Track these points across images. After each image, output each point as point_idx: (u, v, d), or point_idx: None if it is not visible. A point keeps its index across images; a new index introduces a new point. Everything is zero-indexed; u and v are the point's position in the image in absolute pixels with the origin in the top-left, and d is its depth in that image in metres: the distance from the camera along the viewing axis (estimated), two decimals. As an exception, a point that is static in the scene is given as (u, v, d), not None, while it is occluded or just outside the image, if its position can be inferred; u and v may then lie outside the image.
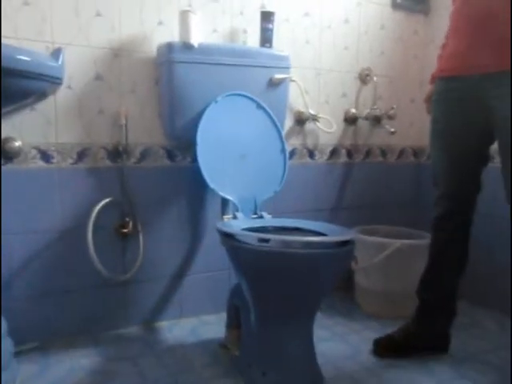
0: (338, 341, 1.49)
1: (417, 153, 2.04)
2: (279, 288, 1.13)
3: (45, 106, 1.34)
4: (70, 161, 1.39)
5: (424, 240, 1.69)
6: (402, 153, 2.01)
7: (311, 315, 1.19)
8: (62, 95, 1.36)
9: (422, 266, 1.71)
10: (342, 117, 1.84)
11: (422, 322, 1.40)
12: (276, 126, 1.53)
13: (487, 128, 1.23)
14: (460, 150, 1.28)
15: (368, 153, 1.92)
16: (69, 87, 1.36)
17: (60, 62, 1.15)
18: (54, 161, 1.37)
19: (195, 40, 1.39)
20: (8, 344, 1.17)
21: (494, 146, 1.27)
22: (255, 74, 1.50)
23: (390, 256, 1.61)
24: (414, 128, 2.01)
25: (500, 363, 1.34)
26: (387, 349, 1.39)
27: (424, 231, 1.78)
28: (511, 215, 1.17)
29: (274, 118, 1.52)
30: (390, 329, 1.45)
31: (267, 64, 1.52)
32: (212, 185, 1.38)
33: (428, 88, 1.43)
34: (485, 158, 1.31)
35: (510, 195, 1.19)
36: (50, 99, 1.34)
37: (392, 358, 1.36)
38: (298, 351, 1.18)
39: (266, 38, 1.56)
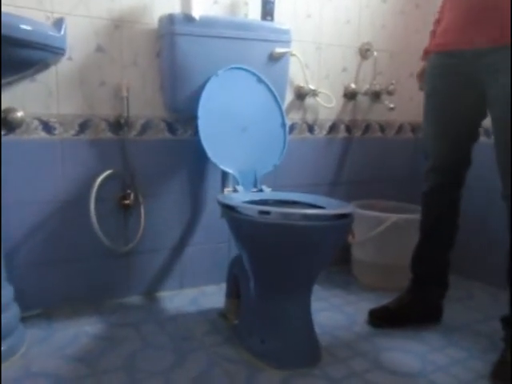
0: (334, 311, 1.54)
1: (415, 128, 2.05)
2: (278, 259, 1.16)
3: (46, 77, 1.33)
4: (72, 132, 1.40)
5: (419, 214, 1.72)
6: (400, 128, 2.02)
7: (309, 285, 1.23)
8: (63, 66, 1.35)
9: (418, 239, 1.76)
10: (341, 92, 1.85)
11: (415, 294, 1.44)
12: (276, 100, 1.53)
13: (480, 103, 1.24)
14: (452, 124, 1.30)
15: (367, 128, 1.93)
16: (70, 58, 1.36)
17: (62, 32, 1.14)
18: (56, 132, 1.38)
19: (196, 12, 1.38)
20: (14, 309, 1.20)
21: (485, 123, 1.29)
22: (256, 47, 1.50)
23: (387, 230, 1.64)
24: (413, 103, 2.01)
25: (491, 333, 1.39)
26: (382, 319, 1.44)
27: (420, 206, 1.81)
28: (511, 205, 1.18)
29: (275, 92, 1.53)
30: (385, 300, 1.50)
31: (268, 38, 1.51)
32: (213, 158, 1.39)
33: (420, 64, 1.44)
34: (476, 133, 1.33)
35: (504, 182, 1.19)
36: (52, 70, 1.34)
37: (386, 328, 1.41)
38: (296, 319, 1.22)
39: (268, 11, 1.55)
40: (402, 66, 1.96)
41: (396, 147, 2.03)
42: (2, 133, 1.30)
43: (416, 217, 1.71)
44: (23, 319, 1.30)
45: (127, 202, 1.48)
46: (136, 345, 1.28)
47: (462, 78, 1.24)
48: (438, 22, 1.35)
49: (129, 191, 1.49)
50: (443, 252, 1.42)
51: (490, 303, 1.62)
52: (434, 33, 1.36)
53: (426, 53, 1.38)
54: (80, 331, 1.34)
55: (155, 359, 1.21)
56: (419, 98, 2.00)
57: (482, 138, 1.73)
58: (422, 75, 1.41)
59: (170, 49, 1.39)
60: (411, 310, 1.43)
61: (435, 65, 1.31)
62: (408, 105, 2.01)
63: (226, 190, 1.44)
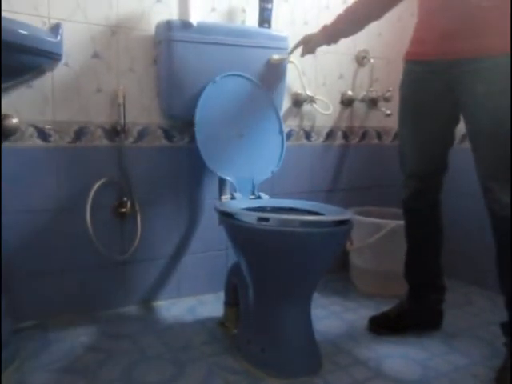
0: (334, 319, 1.52)
1: (411, 136, 2.05)
2: (278, 266, 1.15)
3: (42, 83, 1.32)
4: (68, 139, 1.38)
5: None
6: (397, 135, 2.02)
7: (309, 293, 1.22)
8: (59, 72, 1.34)
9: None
10: (338, 99, 1.85)
11: (413, 301, 1.44)
12: (274, 106, 1.53)
13: (454, 110, 1.25)
14: (427, 131, 1.30)
15: (364, 135, 1.94)
16: (66, 64, 1.34)
17: (59, 38, 1.13)
18: (52, 139, 1.36)
19: (194, 18, 1.38)
20: (7, 322, 1.17)
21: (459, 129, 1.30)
22: (254, 54, 1.50)
23: (385, 236, 1.64)
24: (409, 111, 2.02)
25: (491, 338, 1.38)
26: (382, 326, 1.42)
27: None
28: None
29: (272, 98, 1.52)
30: (384, 307, 1.49)
31: (266, 44, 1.51)
32: (210, 165, 1.38)
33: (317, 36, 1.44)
34: (451, 139, 1.34)
35: (482, 181, 1.19)
36: (47, 76, 1.33)
37: (386, 335, 1.40)
38: (296, 327, 1.21)
39: (265, 18, 1.55)
40: (398, 73, 1.94)
41: (393, 154, 2.01)
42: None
43: (414, 223, 1.71)
44: (18, 331, 1.27)
45: (123, 210, 1.46)
46: (133, 356, 1.25)
47: (437, 86, 1.24)
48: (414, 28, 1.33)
49: (125, 199, 1.47)
50: (431, 257, 1.42)
51: (489, 308, 1.62)
52: (342, 16, 1.38)
53: (325, 30, 1.40)
54: (76, 342, 1.31)
55: (153, 370, 1.18)
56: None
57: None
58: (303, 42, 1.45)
59: (168, 55, 1.38)
60: (411, 317, 1.42)
61: (409, 71, 1.32)
62: (404, 111, 2.01)
63: (223, 197, 1.43)
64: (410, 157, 1.36)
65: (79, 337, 1.34)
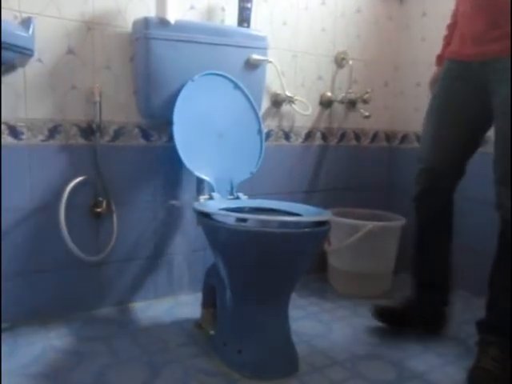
0: (311, 320, 1.52)
1: (389, 137, 2.08)
2: (256, 267, 1.14)
3: (13, 80, 1.28)
4: (41, 137, 1.34)
5: (395, 222, 1.74)
6: (375, 136, 2.04)
7: (287, 294, 1.21)
8: (31, 68, 1.30)
9: (394, 247, 1.78)
10: (317, 100, 1.85)
11: (418, 299, 1.43)
12: (253, 106, 1.52)
13: (485, 114, 1.23)
14: (450, 127, 1.29)
15: (342, 136, 1.95)
16: (39, 60, 1.31)
17: (30, 32, 1.10)
18: (24, 137, 1.32)
19: (172, 16, 1.36)
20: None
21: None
22: (232, 53, 1.48)
23: (363, 238, 1.65)
24: (387, 112, 2.04)
25: (465, 338, 1.40)
26: (386, 317, 1.43)
27: (395, 213, 1.83)
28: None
29: (251, 98, 1.52)
30: (361, 308, 1.50)
31: (245, 44, 1.50)
32: (189, 165, 1.37)
33: (434, 70, 1.43)
34: (474, 144, 1.32)
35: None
36: (19, 72, 1.29)
37: (387, 325, 1.42)
38: (273, 329, 1.20)
39: (244, 18, 1.54)
40: (376, 76, 1.99)
41: (371, 155, 2.05)
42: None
43: (392, 224, 1.73)
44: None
45: (99, 210, 1.43)
46: (107, 359, 1.22)
47: (468, 86, 1.25)
48: (451, 26, 1.36)
49: (101, 199, 1.44)
50: (439, 256, 1.40)
51: (464, 309, 1.64)
52: (448, 37, 1.37)
53: (440, 59, 1.38)
54: (47, 346, 1.27)
55: (128, 374, 1.16)
56: (393, 107, 2.05)
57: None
58: (434, 81, 1.40)
59: (145, 53, 1.36)
60: (415, 314, 1.41)
61: (447, 69, 1.32)
62: (382, 113, 2.03)
63: (201, 197, 1.42)
64: (429, 152, 1.34)
65: (51, 340, 1.30)
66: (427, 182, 1.35)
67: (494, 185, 1.20)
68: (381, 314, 1.44)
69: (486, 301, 1.24)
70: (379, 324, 1.44)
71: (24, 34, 1.06)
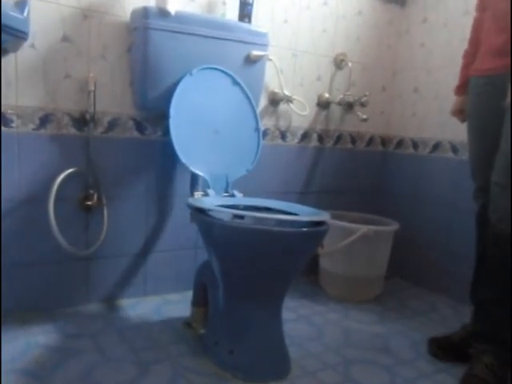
0: (302, 322, 1.50)
1: (385, 141, 2.07)
2: (251, 265, 1.12)
3: (4, 65, 1.23)
4: (32, 126, 1.30)
5: (389, 226, 1.73)
6: (370, 140, 2.03)
7: (281, 294, 1.19)
8: (24, 54, 1.26)
9: (387, 251, 1.76)
10: (315, 100, 1.83)
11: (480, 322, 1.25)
12: (251, 103, 1.50)
13: None
14: (490, 144, 1.25)
15: (338, 138, 1.93)
16: (32, 46, 1.26)
17: (25, 15, 1.05)
18: (14, 125, 1.27)
19: (172, 7, 1.33)
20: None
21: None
22: (232, 48, 1.46)
23: (356, 241, 1.63)
24: (383, 117, 2.04)
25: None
26: (444, 350, 1.33)
27: (388, 218, 1.82)
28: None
29: (250, 95, 1.49)
30: (352, 311, 1.48)
31: (245, 39, 1.47)
32: (184, 160, 1.34)
33: (455, 100, 1.43)
34: None
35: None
36: (11, 58, 1.24)
37: (451, 361, 1.30)
38: (266, 330, 1.18)
39: (245, 13, 1.52)
40: (374, 79, 1.98)
41: (366, 159, 2.03)
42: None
43: (386, 229, 1.72)
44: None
45: (89, 203, 1.39)
46: (94, 357, 1.18)
47: (496, 100, 1.20)
48: (469, 55, 1.35)
49: (92, 192, 1.40)
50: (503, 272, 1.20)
51: (452, 316, 1.64)
52: (469, 54, 1.36)
53: (460, 89, 1.39)
54: (31, 342, 1.22)
55: (115, 372, 1.12)
56: (390, 112, 2.04)
57: (449, 154, 1.78)
58: (458, 111, 1.42)
59: (143, 43, 1.33)
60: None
61: (474, 86, 1.31)
62: (379, 118, 2.02)
63: (196, 193, 1.39)
64: (478, 169, 1.33)
65: (35, 336, 1.26)
66: (485, 198, 1.26)
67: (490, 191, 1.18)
68: (438, 346, 1.34)
69: (474, 310, 1.22)
70: (370, 328, 1.42)
71: (18, 15, 1.01)
